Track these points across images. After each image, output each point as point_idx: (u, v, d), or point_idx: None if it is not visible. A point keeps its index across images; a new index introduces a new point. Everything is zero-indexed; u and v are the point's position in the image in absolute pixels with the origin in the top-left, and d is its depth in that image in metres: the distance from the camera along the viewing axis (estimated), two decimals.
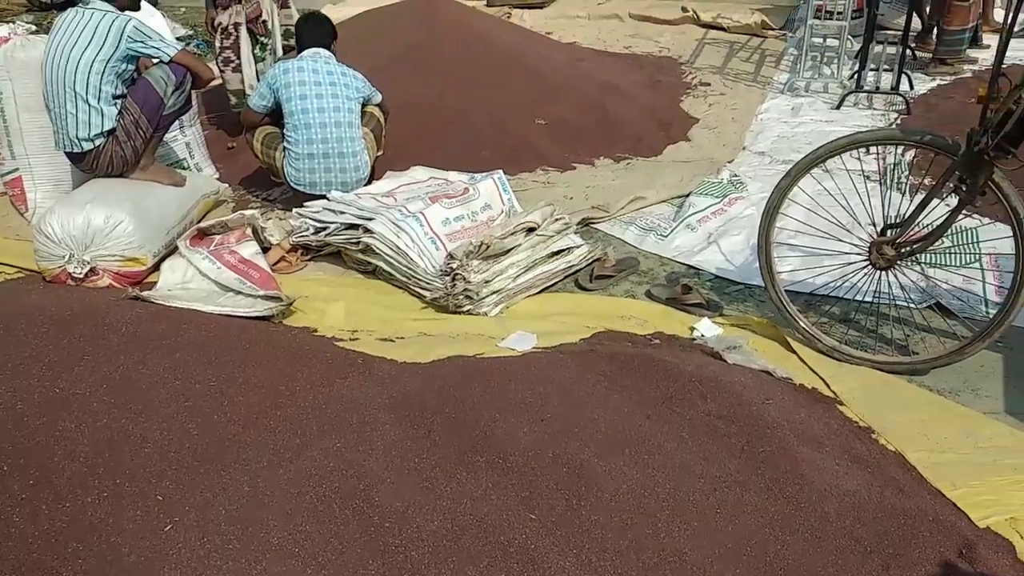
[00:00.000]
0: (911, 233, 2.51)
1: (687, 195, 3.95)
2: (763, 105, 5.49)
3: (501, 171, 3.72)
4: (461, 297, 3.00)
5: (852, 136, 2.49)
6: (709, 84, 6.09)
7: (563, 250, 3.34)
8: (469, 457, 1.81)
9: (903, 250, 2.50)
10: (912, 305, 2.90)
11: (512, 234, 3.17)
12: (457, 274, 3.00)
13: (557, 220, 3.41)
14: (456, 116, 4.79)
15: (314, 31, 3.89)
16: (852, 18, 5.67)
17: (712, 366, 2.50)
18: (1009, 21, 2.29)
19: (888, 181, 3.88)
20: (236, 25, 4.40)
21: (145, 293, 2.97)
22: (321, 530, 1.57)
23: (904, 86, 5.45)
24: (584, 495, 1.74)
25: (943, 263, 3.17)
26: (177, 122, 4.14)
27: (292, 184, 3.81)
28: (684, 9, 8.04)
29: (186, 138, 4.34)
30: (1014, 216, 2.26)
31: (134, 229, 3.20)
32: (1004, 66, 2.17)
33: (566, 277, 3.33)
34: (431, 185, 3.78)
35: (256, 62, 4.51)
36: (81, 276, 3.12)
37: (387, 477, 1.72)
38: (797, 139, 4.78)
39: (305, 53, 3.84)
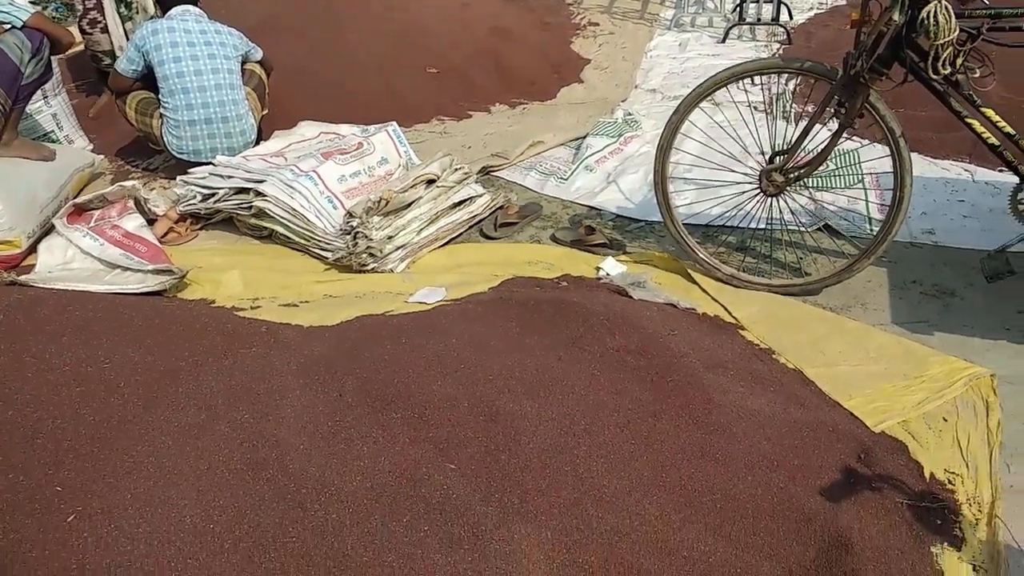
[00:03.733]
0: (798, 159, 2.59)
1: (584, 137, 3.96)
2: (651, 43, 5.55)
3: (395, 123, 3.63)
4: (364, 256, 2.93)
5: (734, 67, 2.53)
6: (598, 24, 6.10)
7: (465, 200, 3.31)
8: (384, 415, 1.78)
9: (791, 175, 2.58)
10: (803, 228, 3.02)
11: (412, 187, 3.11)
12: (358, 232, 2.93)
13: (457, 170, 3.37)
14: (342, 70, 4.64)
15: None
16: None
17: (619, 303, 2.54)
18: None
19: (774, 110, 4.00)
20: None
21: (23, 277, 2.79)
22: (236, 503, 1.52)
23: (784, 16, 5.59)
24: (502, 440, 1.75)
25: (829, 186, 3.30)
26: (40, 92, 3.86)
27: (175, 152, 3.61)
28: None
29: (52, 109, 4.05)
30: (890, 135, 2.35)
31: (3, 210, 2.98)
32: None
33: (470, 227, 3.30)
34: (322, 141, 3.66)
35: (123, 21, 4.21)
36: None
37: (300, 443, 1.68)
38: (686, 74, 4.86)
39: (173, 11, 3.61)
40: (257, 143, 3.78)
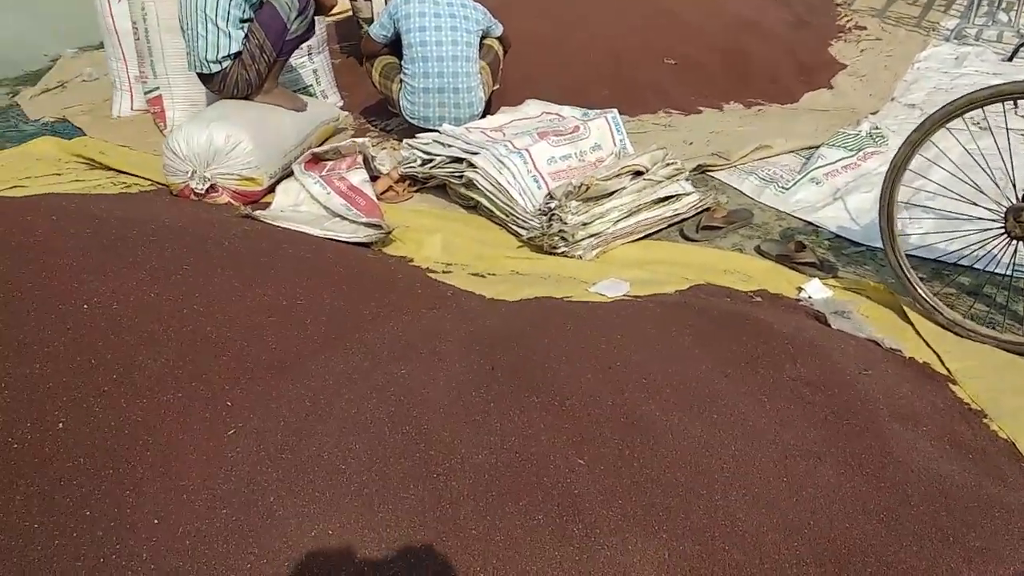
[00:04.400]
0: None
1: (818, 146, 3.68)
2: (923, 53, 5.02)
3: (615, 110, 3.58)
4: (556, 238, 2.94)
5: (997, 87, 2.20)
6: (865, 28, 5.63)
7: (671, 196, 3.20)
8: (526, 397, 1.77)
9: None
10: None
11: (616, 176, 3.06)
12: (554, 214, 2.94)
13: (668, 165, 3.26)
14: (578, 52, 4.66)
15: None
16: None
17: (812, 330, 2.33)
18: None
19: None
20: None
21: (257, 212, 3.10)
22: (369, 451, 1.60)
23: None
24: (639, 447, 1.67)
25: None
26: (305, 48, 4.26)
27: (407, 116, 3.84)
28: None
29: (314, 65, 4.45)
30: None
31: (252, 149, 3.33)
32: None
33: (671, 225, 3.20)
34: (542, 121, 3.70)
35: None
36: (203, 192, 3.29)
37: (441, 407, 1.72)
38: (955, 91, 4.31)
39: None
40: (484, 116, 3.91)
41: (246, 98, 3.64)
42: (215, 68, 3.52)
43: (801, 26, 5.57)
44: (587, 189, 2.94)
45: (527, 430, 1.67)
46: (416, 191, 3.58)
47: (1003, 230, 2.31)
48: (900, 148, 2.42)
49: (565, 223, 2.92)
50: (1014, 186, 2.31)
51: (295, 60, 4.24)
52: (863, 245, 2.98)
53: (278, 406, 1.77)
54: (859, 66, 4.86)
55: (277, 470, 1.56)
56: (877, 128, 3.80)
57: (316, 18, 3.79)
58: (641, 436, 1.70)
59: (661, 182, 3.20)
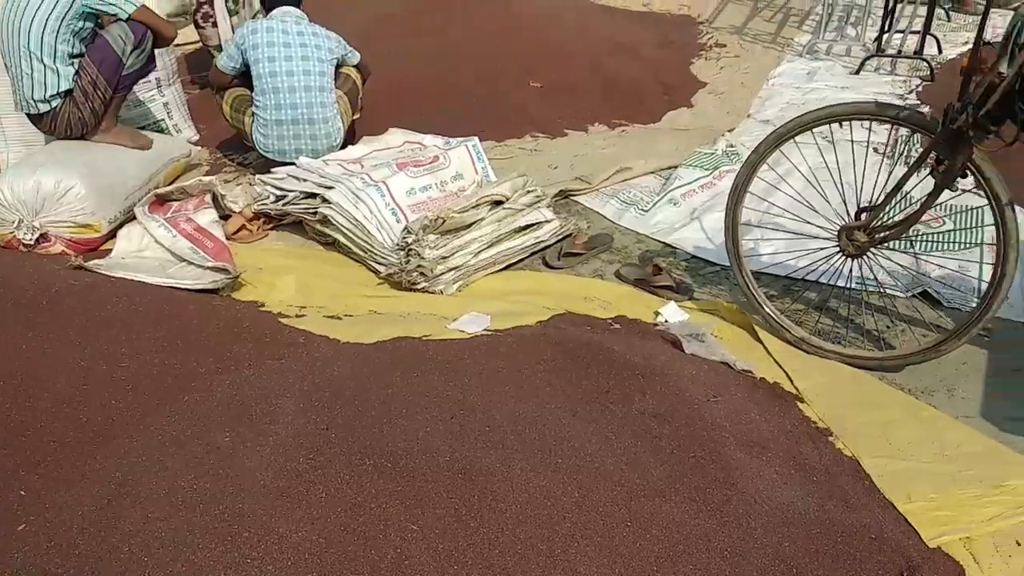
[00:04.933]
0: (888, 216, 2.29)
1: (676, 167, 3.73)
2: (777, 69, 5.20)
3: (476, 138, 3.53)
4: (415, 274, 2.85)
5: (824, 109, 2.26)
6: (725, 45, 5.80)
7: (532, 225, 3.17)
8: (359, 459, 1.67)
9: (876, 236, 2.28)
10: (896, 293, 2.68)
11: (474, 207, 3.00)
12: (411, 249, 2.85)
13: (528, 192, 3.24)
14: (446, 77, 4.61)
15: None
16: None
17: (663, 356, 2.32)
18: None
19: (895, 154, 3.63)
20: None
21: (92, 262, 2.88)
22: (176, 537, 1.46)
23: (931, 49, 5.11)
24: (476, 504, 1.60)
25: (937, 248, 2.93)
26: (153, 80, 4.04)
27: (261, 151, 3.68)
28: None
29: (164, 98, 4.23)
30: (995, 203, 2.02)
31: (86, 194, 3.10)
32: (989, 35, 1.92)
33: (534, 253, 3.16)
34: (404, 151, 3.62)
35: (230, 16, 4.36)
36: (32, 242, 3.05)
37: (263, 480, 1.60)
38: (807, 106, 4.44)
39: (274, 12, 3.68)
40: (345, 146, 3.79)
41: (82, 138, 3.40)
42: (44, 108, 3.27)
43: (666, 46, 5.69)
44: (443, 222, 2.87)
45: (356, 498, 1.57)
46: (271, 228, 3.42)
47: (837, 248, 2.37)
48: (740, 170, 2.45)
49: (423, 258, 2.84)
50: (845, 205, 2.38)
51: (143, 94, 4.02)
52: (718, 265, 3.03)
53: (80, 490, 1.61)
54: (718, 84, 4.99)
55: (67, 570, 1.40)
56: (732, 146, 3.89)
57: (159, 50, 3.59)
58: (480, 492, 1.63)
59: (522, 210, 3.17)
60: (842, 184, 2.38)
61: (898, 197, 2.21)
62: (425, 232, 2.87)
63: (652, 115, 4.56)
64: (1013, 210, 2.02)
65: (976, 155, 2.00)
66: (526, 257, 3.14)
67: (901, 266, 2.67)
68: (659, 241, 3.23)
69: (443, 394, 1.97)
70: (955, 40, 5.54)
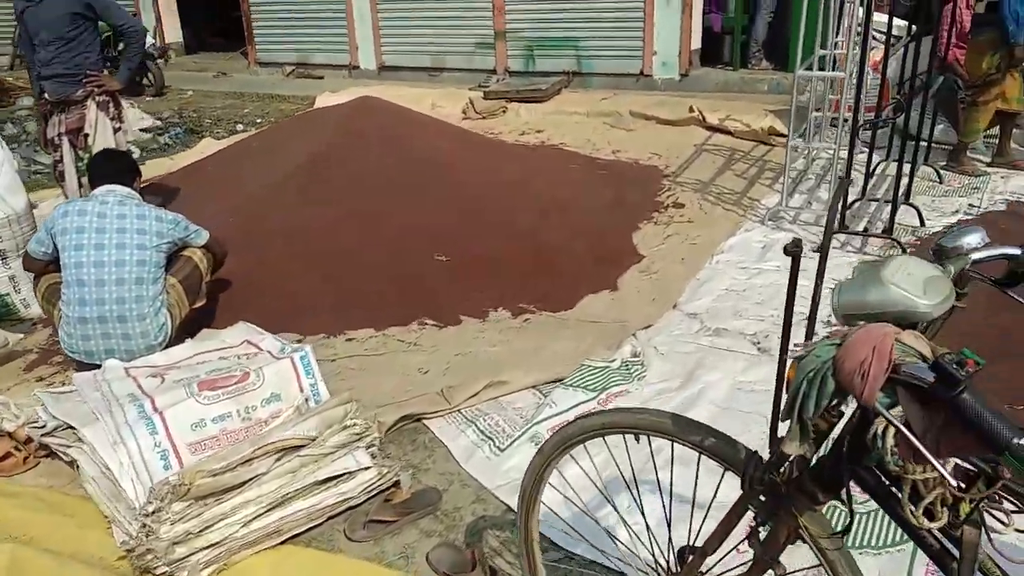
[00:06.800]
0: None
1: (563, 380, 3.06)
2: (730, 240, 4.56)
3: (308, 347, 2.92)
4: (148, 557, 2.19)
5: (610, 416, 1.60)
6: (683, 206, 5.22)
7: (339, 476, 2.50)
8: None
9: None
10: None
11: (246, 463, 2.35)
12: (146, 524, 2.20)
13: (346, 428, 2.59)
14: (342, 251, 4.06)
15: (104, 168, 3.29)
16: (880, 124, 4.57)
17: None
18: None
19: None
20: (60, 135, 3.92)
21: None
22: None
23: (912, 219, 4.45)
24: None
25: None
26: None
27: (66, 351, 3.13)
28: (691, 109, 7.23)
29: (9, 271, 3.76)
30: None
31: None
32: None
33: (337, 515, 2.48)
34: (227, 358, 3.01)
35: (79, 175, 3.96)
36: None
37: None
38: (748, 296, 3.83)
39: (97, 191, 3.20)
40: (179, 342, 3.21)
41: None
42: None
43: (616, 206, 5.11)
44: (188, 490, 2.22)
45: None
46: (47, 455, 2.81)
47: None
48: (526, 474, 1.78)
49: (160, 537, 2.18)
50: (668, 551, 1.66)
51: None
52: (568, 553, 2.28)
53: None
54: (656, 258, 4.35)
55: None
56: (637, 355, 3.22)
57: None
58: None
59: (330, 454, 2.52)
60: (669, 514, 1.67)
61: (724, 540, 1.49)
62: (167, 501, 2.22)
63: (568, 299, 3.92)
64: None
65: (806, 518, 1.29)
66: (323, 522, 2.45)
67: None
68: (504, 503, 2.52)
69: None
70: (943, 208, 4.86)
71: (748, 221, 4.85)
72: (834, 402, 1.09)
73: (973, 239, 1.25)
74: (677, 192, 5.45)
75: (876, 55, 4.95)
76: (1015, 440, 0.88)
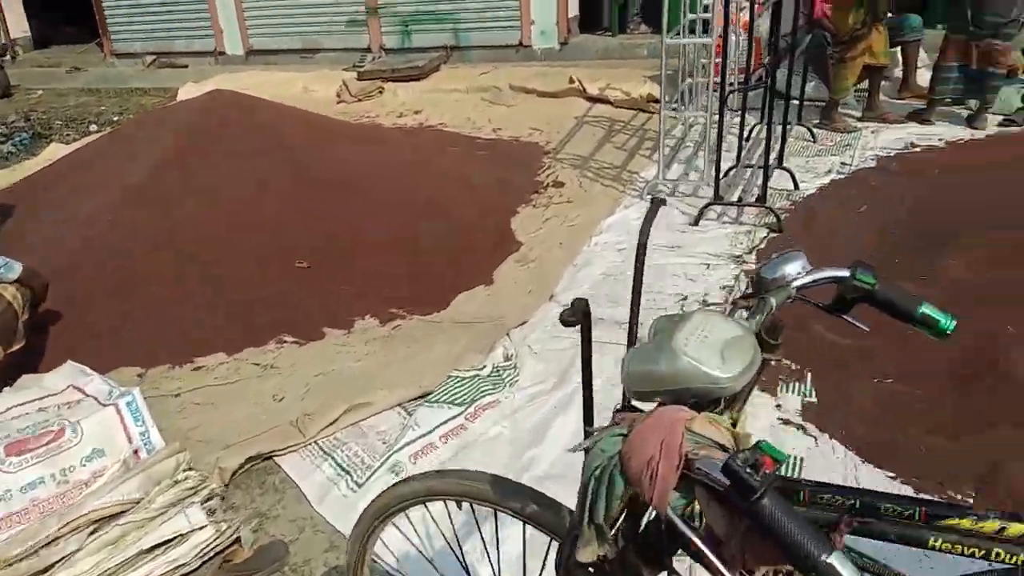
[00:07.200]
0: None
1: (430, 394, 2.84)
2: (609, 219, 4.40)
3: (136, 391, 2.61)
4: None
5: (428, 482, 1.38)
6: (563, 184, 5.04)
7: (171, 539, 2.22)
8: None
9: None
10: None
11: (51, 543, 2.05)
12: None
13: (177, 483, 2.30)
14: (192, 266, 3.70)
15: None
16: (749, 88, 4.49)
17: None
18: None
19: None
20: None
21: None
22: None
23: (786, 183, 4.39)
24: None
25: None
26: None
27: None
28: (571, 80, 7.05)
29: None
30: None
31: None
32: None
33: None
34: (46, 411, 2.67)
35: None
36: None
37: None
38: (624, 280, 3.68)
39: None
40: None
41: None
42: None
43: (495, 191, 4.88)
44: None
45: None
46: None
47: None
48: (348, 544, 1.55)
49: None
50: None
51: None
52: None
53: None
54: (534, 245, 4.15)
55: None
56: (510, 358, 3.03)
57: None
58: None
59: (159, 515, 2.23)
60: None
61: None
62: None
63: (441, 299, 3.69)
64: None
65: None
66: None
67: None
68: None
69: None
70: (817, 169, 4.84)
71: (627, 196, 4.71)
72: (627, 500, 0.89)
73: (794, 268, 1.08)
74: (557, 170, 5.28)
75: (745, 16, 4.85)
76: (822, 558, 0.71)
